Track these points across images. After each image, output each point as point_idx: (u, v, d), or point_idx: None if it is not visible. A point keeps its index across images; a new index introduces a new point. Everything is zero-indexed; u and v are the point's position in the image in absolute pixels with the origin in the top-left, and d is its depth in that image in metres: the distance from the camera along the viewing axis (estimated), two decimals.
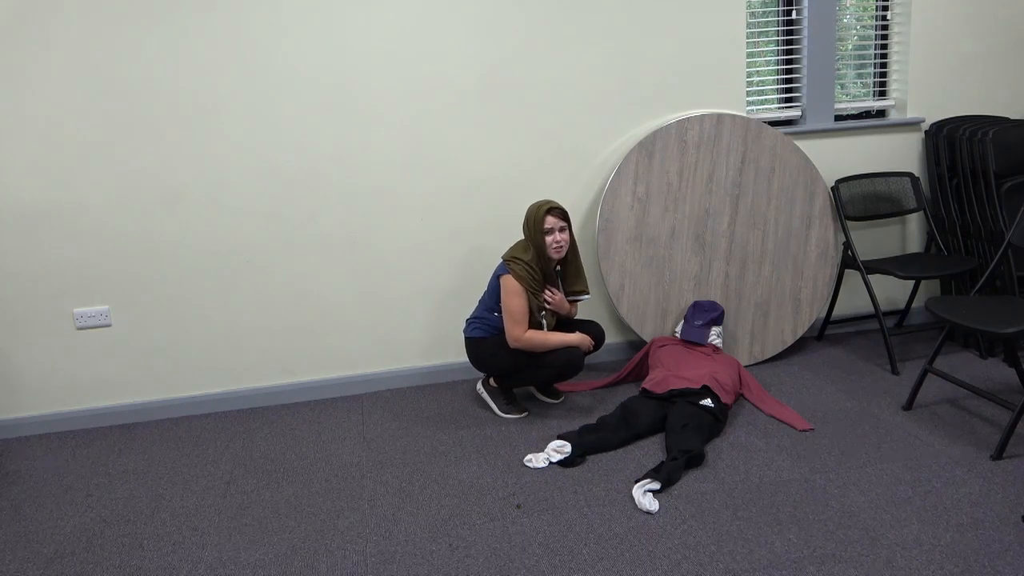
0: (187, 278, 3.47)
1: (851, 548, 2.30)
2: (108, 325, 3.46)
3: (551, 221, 3.14)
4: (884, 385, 3.43)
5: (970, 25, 3.88)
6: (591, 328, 3.34)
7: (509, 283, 3.13)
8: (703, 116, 3.59)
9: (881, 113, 4.04)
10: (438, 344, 3.75)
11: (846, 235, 3.76)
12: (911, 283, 4.11)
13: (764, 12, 3.84)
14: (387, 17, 3.39)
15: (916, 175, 3.91)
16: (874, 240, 4.03)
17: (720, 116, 3.60)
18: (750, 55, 3.82)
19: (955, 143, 3.73)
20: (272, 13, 3.29)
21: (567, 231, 3.19)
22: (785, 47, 3.87)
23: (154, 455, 3.21)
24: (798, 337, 3.80)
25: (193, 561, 2.45)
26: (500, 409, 3.35)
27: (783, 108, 3.91)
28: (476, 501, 2.68)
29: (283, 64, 3.35)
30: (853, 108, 3.99)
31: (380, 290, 3.64)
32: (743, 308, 3.73)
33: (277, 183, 3.45)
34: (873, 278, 4.07)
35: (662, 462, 2.77)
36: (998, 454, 2.75)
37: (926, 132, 3.93)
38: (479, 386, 3.46)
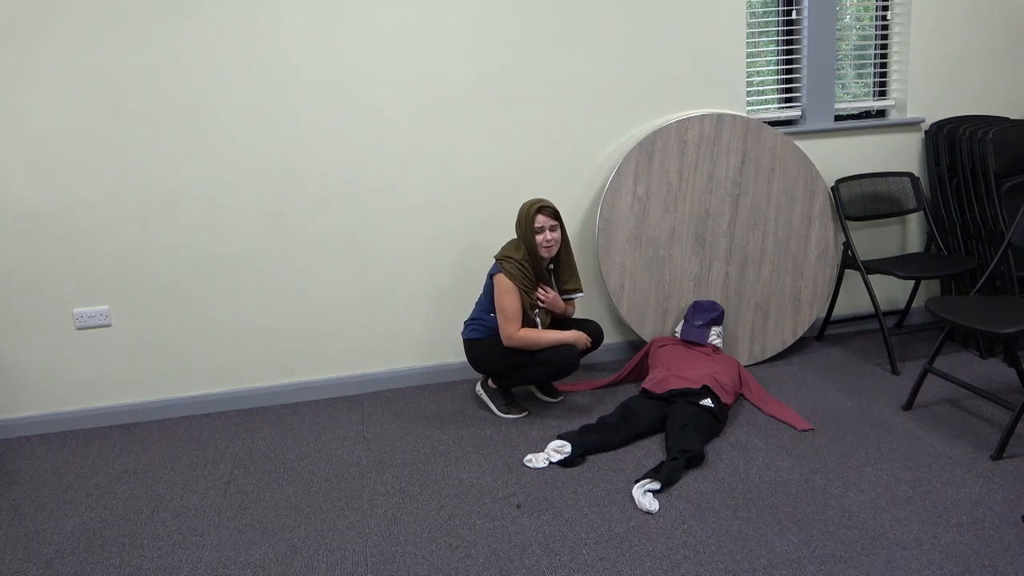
0: (187, 278, 3.47)
1: (851, 548, 2.30)
2: (108, 325, 3.46)
3: (541, 220, 3.15)
4: (884, 385, 3.43)
5: (970, 25, 3.88)
6: (589, 327, 3.35)
7: (501, 282, 3.14)
8: (703, 116, 3.59)
9: (881, 113, 4.04)
10: (438, 344, 3.75)
11: (846, 235, 3.76)
12: (911, 283, 4.11)
13: (764, 12, 3.84)
14: (387, 17, 3.39)
15: (916, 175, 3.91)
16: (874, 240, 4.03)
17: (720, 116, 3.60)
18: (750, 55, 3.82)
19: (955, 143, 3.73)
20: (272, 13, 3.29)
21: (558, 230, 3.20)
22: (785, 47, 3.87)
23: (154, 455, 3.21)
24: (798, 337, 3.80)
25: (193, 561, 2.45)
26: (499, 409, 3.35)
27: (783, 108, 3.91)
28: (476, 501, 2.68)
29: (283, 64, 3.35)
30: (853, 108, 3.99)
31: (380, 290, 3.64)
32: (743, 308, 3.73)
33: (277, 183, 3.45)
34: (873, 278, 4.07)
35: (662, 462, 2.77)
36: (998, 454, 2.75)
37: (926, 132, 3.93)
38: (478, 387, 3.46)
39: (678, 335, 3.60)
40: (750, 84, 3.85)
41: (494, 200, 3.64)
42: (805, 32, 3.77)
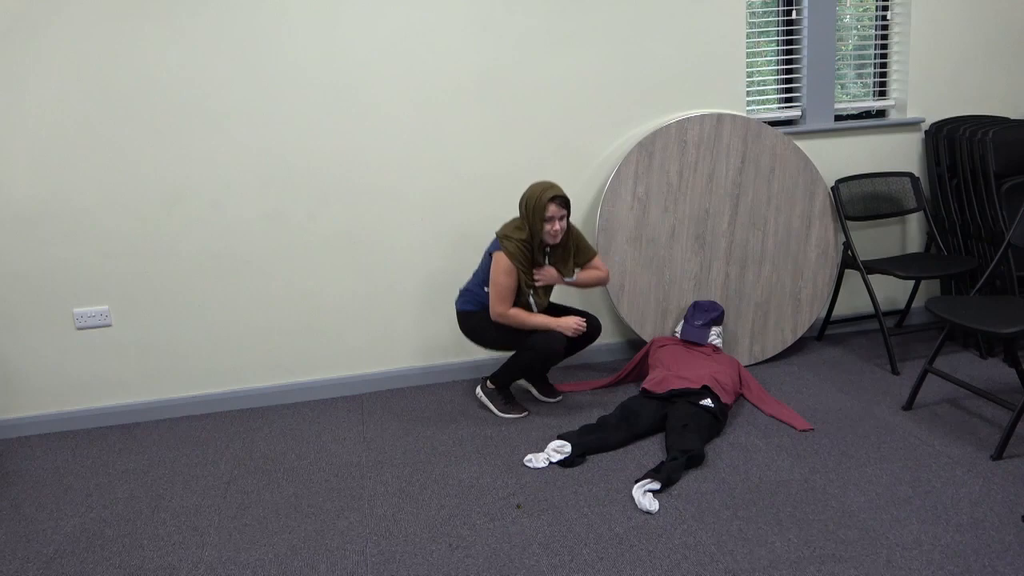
0: (187, 278, 3.47)
1: (851, 548, 2.30)
2: (108, 325, 3.46)
3: (553, 210, 3.08)
4: (884, 385, 3.43)
5: (970, 25, 3.88)
6: (588, 319, 3.34)
7: (500, 260, 3.13)
8: (703, 116, 3.59)
9: (881, 113, 4.04)
10: (438, 344, 3.75)
11: (846, 235, 3.76)
12: (911, 283, 4.11)
13: (764, 12, 3.84)
14: (388, 17, 3.39)
15: (916, 175, 3.91)
16: (874, 240, 4.03)
17: (720, 116, 3.60)
18: (750, 55, 3.82)
19: (955, 143, 3.73)
20: (273, 13, 3.29)
21: (566, 219, 3.16)
22: (785, 47, 3.87)
23: (154, 455, 3.21)
24: (798, 337, 3.80)
25: (193, 561, 2.45)
26: (499, 409, 3.35)
27: (783, 108, 3.91)
28: (476, 501, 2.68)
29: (283, 64, 3.35)
30: (853, 108, 3.99)
31: (380, 290, 3.64)
32: (743, 308, 3.73)
33: (277, 183, 3.45)
34: (873, 278, 4.07)
35: (662, 462, 2.77)
36: (998, 454, 2.75)
37: (926, 132, 3.93)
38: (478, 390, 3.45)
39: (678, 335, 3.60)
40: (750, 84, 3.85)
41: (494, 200, 3.64)
42: (805, 32, 3.77)
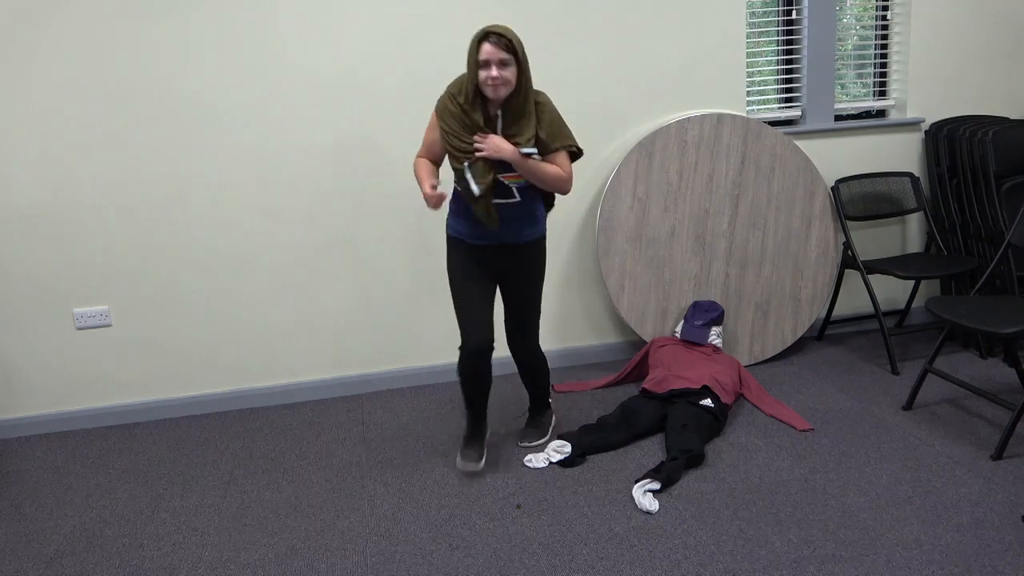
0: (187, 278, 3.47)
1: (851, 548, 2.30)
2: (108, 325, 3.46)
3: (488, 51, 2.46)
4: (884, 385, 3.43)
5: (970, 25, 3.88)
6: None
7: (432, 114, 2.71)
8: (703, 116, 3.59)
9: (881, 113, 4.03)
10: (438, 344, 3.75)
11: (846, 235, 3.76)
12: (911, 283, 4.10)
13: (764, 12, 3.84)
14: (387, 16, 3.39)
15: (916, 175, 3.91)
16: (874, 240, 4.03)
17: (720, 116, 3.60)
18: (750, 55, 3.82)
19: (955, 143, 3.73)
20: (273, 12, 3.29)
21: (512, 67, 2.50)
22: (785, 47, 3.87)
23: (154, 455, 3.21)
24: (798, 337, 3.80)
25: (193, 561, 2.45)
26: (460, 455, 2.87)
27: (783, 108, 3.91)
28: (476, 501, 2.68)
29: (283, 63, 3.35)
30: (853, 108, 3.99)
31: (380, 289, 3.63)
32: (743, 308, 3.73)
33: (277, 182, 3.45)
34: (873, 278, 4.07)
35: (662, 462, 2.77)
36: (998, 454, 2.75)
37: (926, 132, 3.93)
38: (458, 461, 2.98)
39: (678, 335, 3.60)
40: (750, 84, 3.85)
41: None
42: (805, 32, 3.77)
